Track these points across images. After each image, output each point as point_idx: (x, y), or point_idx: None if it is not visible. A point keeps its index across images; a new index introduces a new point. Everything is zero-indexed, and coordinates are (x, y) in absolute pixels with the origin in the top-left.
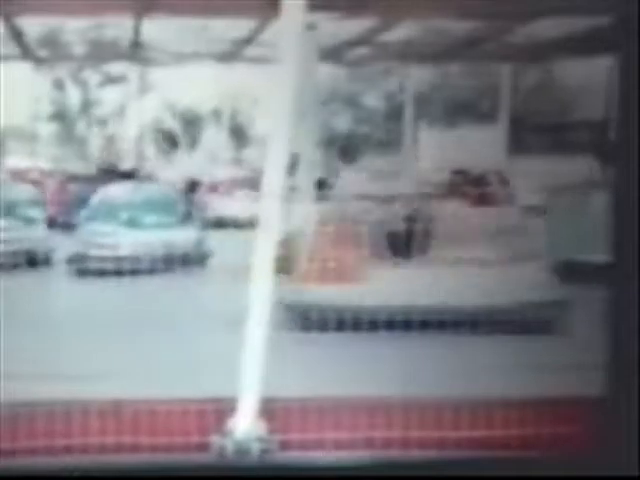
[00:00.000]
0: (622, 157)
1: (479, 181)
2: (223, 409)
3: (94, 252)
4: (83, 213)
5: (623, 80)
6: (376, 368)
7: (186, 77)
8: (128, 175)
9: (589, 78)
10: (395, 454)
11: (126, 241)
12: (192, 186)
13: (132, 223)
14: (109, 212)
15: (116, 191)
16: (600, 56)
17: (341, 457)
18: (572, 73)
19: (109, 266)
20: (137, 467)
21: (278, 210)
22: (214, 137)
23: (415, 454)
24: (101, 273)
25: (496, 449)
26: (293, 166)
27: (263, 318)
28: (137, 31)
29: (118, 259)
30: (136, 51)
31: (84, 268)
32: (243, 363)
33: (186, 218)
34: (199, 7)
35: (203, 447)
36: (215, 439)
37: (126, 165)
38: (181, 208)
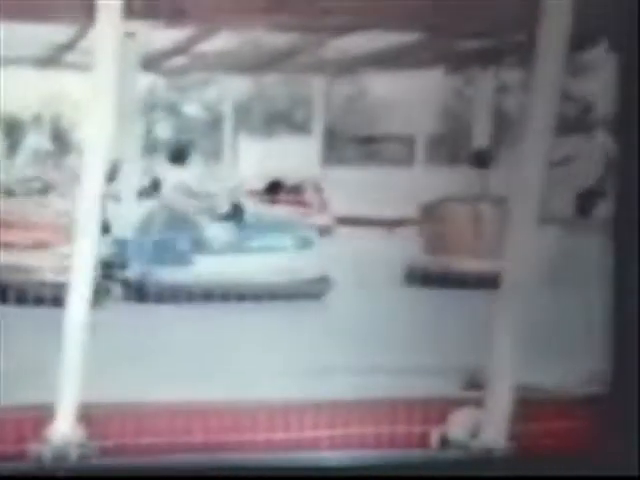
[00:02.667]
0: (623, 161)
1: (295, 189)
2: (41, 416)
3: None
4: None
5: (623, 83)
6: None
7: (5, 82)
8: None
9: (398, 92)
10: (218, 457)
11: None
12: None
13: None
14: None
15: None
16: (409, 71)
17: (161, 461)
18: (382, 87)
19: None
20: None
21: (97, 215)
22: (36, 143)
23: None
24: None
25: None
26: (114, 172)
27: (81, 322)
28: None
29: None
30: None
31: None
32: (61, 368)
33: None
34: (16, 12)
35: (20, 455)
36: (32, 446)
37: None
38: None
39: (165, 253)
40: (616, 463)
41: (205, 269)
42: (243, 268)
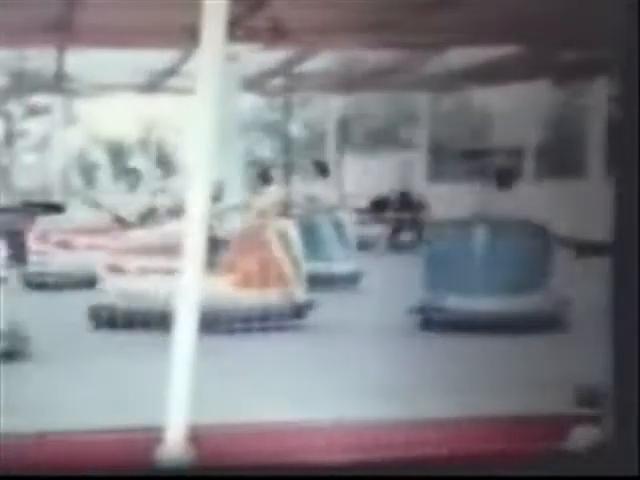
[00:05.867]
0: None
1: (402, 206)
2: (151, 438)
3: None
4: None
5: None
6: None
7: (110, 108)
8: (55, 208)
9: (504, 105)
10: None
11: None
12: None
13: None
14: None
15: None
16: (513, 83)
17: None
18: (488, 100)
19: None
20: None
21: (203, 236)
22: (141, 167)
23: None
24: None
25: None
26: (219, 193)
27: (190, 344)
28: (60, 63)
29: None
30: (59, 83)
31: None
32: (170, 388)
33: None
34: (121, 39)
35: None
36: (144, 469)
37: (53, 198)
38: None
39: None
40: (616, 463)
41: None
42: None
